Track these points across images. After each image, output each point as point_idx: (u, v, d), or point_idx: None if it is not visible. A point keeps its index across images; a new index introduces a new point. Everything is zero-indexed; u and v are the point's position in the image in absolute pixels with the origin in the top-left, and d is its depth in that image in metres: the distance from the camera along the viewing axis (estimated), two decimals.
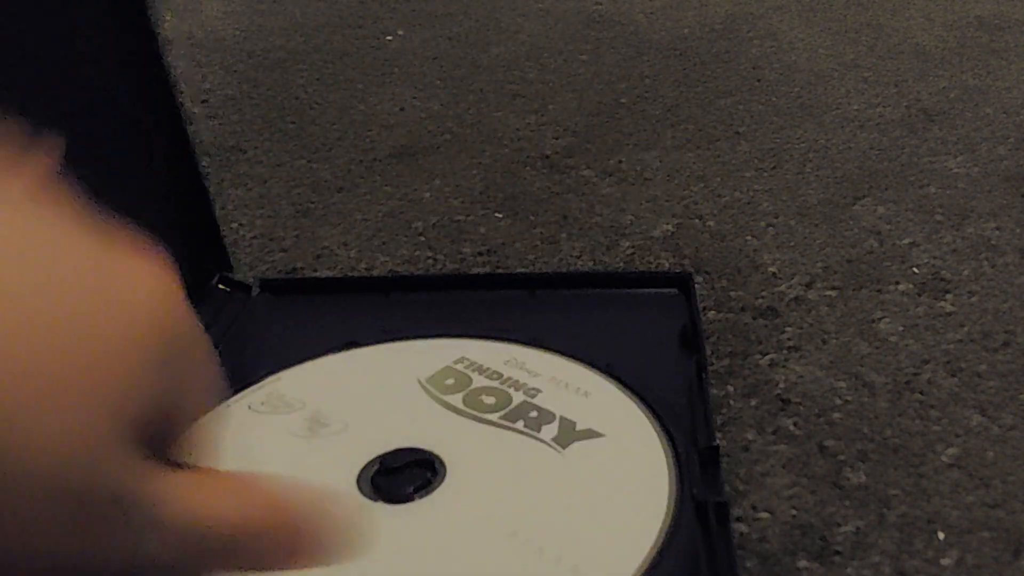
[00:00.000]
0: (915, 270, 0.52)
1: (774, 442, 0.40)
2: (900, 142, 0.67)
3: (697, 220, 0.58)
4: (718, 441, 0.35)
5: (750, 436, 0.41)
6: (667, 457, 0.34)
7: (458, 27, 0.93)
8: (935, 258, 0.53)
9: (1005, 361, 0.45)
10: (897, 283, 0.51)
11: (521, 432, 0.34)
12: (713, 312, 0.49)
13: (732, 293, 0.50)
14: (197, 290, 0.45)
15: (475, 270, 0.53)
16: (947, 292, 0.50)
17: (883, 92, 0.76)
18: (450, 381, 0.37)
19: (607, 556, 0.29)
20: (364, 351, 0.40)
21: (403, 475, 0.32)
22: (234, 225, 0.58)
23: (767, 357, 0.45)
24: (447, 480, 0.32)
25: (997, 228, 0.56)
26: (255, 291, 0.47)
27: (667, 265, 0.53)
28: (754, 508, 0.37)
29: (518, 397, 0.36)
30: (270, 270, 0.53)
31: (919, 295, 0.50)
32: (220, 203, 0.61)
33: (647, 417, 0.36)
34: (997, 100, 0.73)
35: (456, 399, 0.36)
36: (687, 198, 0.60)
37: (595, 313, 0.44)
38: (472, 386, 0.37)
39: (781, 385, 0.43)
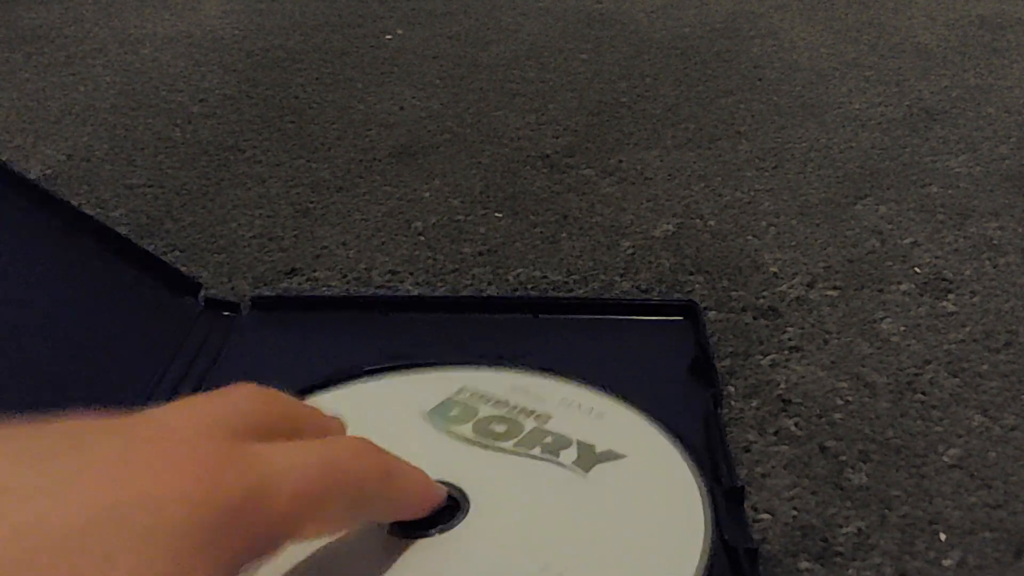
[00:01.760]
0: (917, 270, 0.52)
1: (775, 443, 0.40)
2: (902, 141, 0.67)
3: (698, 220, 0.57)
4: (741, 482, 0.34)
5: (751, 437, 0.40)
6: (692, 476, 0.33)
7: (458, 26, 0.93)
8: (937, 258, 0.53)
9: (1007, 361, 0.45)
10: (899, 283, 0.51)
11: (539, 458, 0.33)
12: (714, 312, 0.49)
13: (733, 293, 0.50)
14: (180, 311, 0.44)
15: (475, 270, 0.53)
16: (949, 292, 0.50)
17: (885, 91, 0.75)
18: (455, 412, 0.36)
19: None
20: (358, 386, 0.39)
21: None
22: (233, 225, 0.58)
23: (768, 357, 0.45)
24: (472, 511, 0.31)
25: (999, 228, 0.56)
26: (245, 310, 0.45)
27: (668, 265, 0.53)
28: (755, 509, 0.37)
29: (529, 424, 0.35)
30: (269, 270, 0.53)
31: (921, 295, 0.50)
32: (219, 203, 0.61)
33: (664, 436, 0.35)
34: (999, 99, 0.73)
35: (465, 429, 0.35)
36: (688, 197, 0.60)
37: (601, 340, 0.43)
38: (479, 415, 0.36)
39: (782, 385, 0.43)
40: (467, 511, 0.31)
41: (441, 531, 0.30)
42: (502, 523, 0.30)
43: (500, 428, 0.35)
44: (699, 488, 0.33)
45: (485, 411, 0.36)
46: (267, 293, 0.50)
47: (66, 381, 0.37)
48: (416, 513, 0.27)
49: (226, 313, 0.45)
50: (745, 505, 0.37)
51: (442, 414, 0.36)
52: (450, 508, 0.31)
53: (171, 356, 0.41)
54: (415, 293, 0.51)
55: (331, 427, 0.27)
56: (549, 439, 0.34)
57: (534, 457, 0.33)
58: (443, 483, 0.31)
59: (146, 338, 0.42)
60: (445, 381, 0.38)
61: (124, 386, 0.39)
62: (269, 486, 0.19)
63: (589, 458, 0.33)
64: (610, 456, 0.34)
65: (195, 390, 0.40)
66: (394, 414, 0.37)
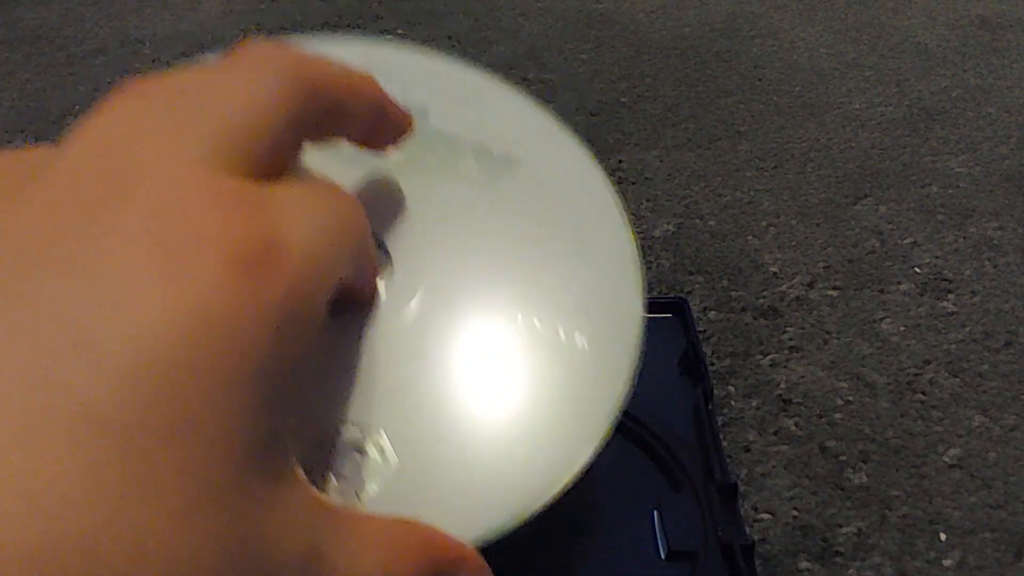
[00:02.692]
0: (917, 270, 0.52)
1: (775, 443, 0.40)
2: (902, 141, 0.67)
3: (698, 220, 0.57)
4: (734, 478, 0.34)
5: (751, 437, 0.40)
6: (597, 172, 0.28)
7: (458, 26, 0.93)
8: (937, 258, 0.53)
9: (1007, 361, 0.45)
10: (899, 283, 0.51)
11: (437, 173, 0.27)
12: (714, 312, 0.49)
13: (733, 293, 0.50)
14: None
15: None
16: (949, 292, 0.50)
17: (885, 91, 0.75)
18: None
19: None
20: None
21: None
22: None
23: (768, 357, 0.45)
24: (398, 260, 0.24)
25: (999, 228, 0.56)
26: None
27: (668, 265, 0.53)
28: (755, 509, 0.37)
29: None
30: None
31: (921, 295, 0.50)
32: None
33: (553, 124, 0.30)
34: (999, 99, 0.73)
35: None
36: (688, 198, 0.60)
37: None
38: None
39: (782, 385, 0.43)
40: (391, 261, 0.24)
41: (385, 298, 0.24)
42: (443, 260, 0.25)
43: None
44: (606, 183, 0.28)
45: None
46: None
47: None
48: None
49: None
50: (743, 503, 0.37)
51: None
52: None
53: None
54: None
55: (394, 117, 0.21)
56: (441, 146, 0.28)
57: (430, 170, 0.27)
58: None
59: None
60: None
61: None
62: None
63: (490, 167, 0.28)
64: (510, 161, 0.28)
65: None
66: None
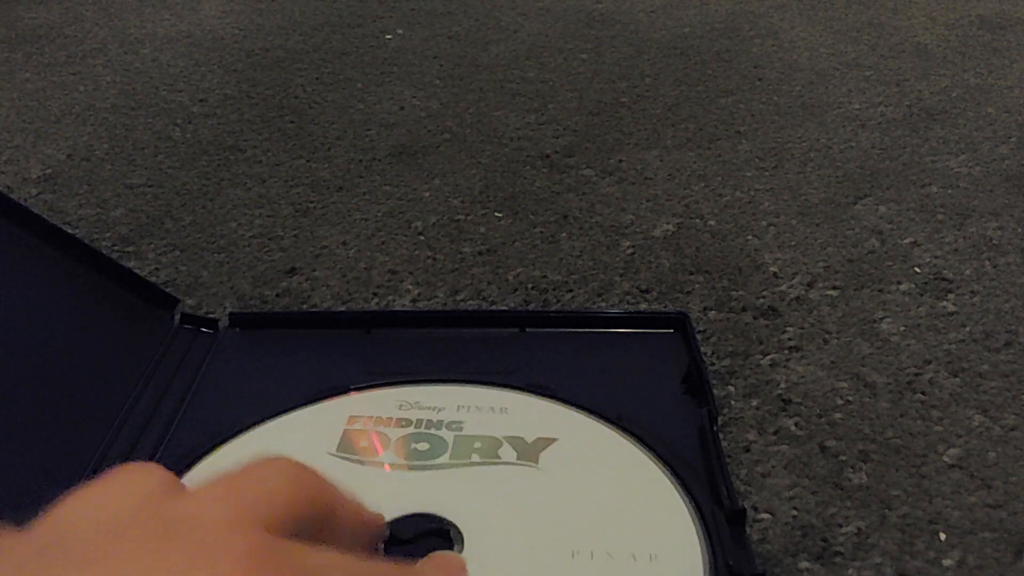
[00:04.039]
0: (917, 270, 0.52)
1: (775, 442, 0.40)
2: (902, 141, 0.67)
3: (698, 220, 0.57)
4: (742, 504, 0.34)
5: (751, 436, 0.40)
6: (623, 437, 0.33)
7: (458, 26, 0.93)
8: (937, 258, 0.53)
9: (1007, 361, 0.45)
10: (899, 283, 0.51)
11: (482, 464, 0.33)
12: (714, 312, 0.49)
13: (733, 293, 0.50)
14: (156, 327, 0.43)
15: (475, 270, 0.53)
16: (949, 292, 0.50)
17: (885, 91, 0.75)
18: (363, 444, 0.34)
19: (669, 543, 0.29)
20: (251, 435, 0.36)
21: (418, 544, 0.30)
22: (232, 224, 0.58)
23: (768, 357, 0.45)
24: (466, 532, 0.30)
25: (999, 227, 0.56)
26: (223, 325, 0.45)
27: (668, 265, 0.53)
28: (755, 509, 0.37)
29: (448, 435, 0.34)
30: (269, 270, 0.53)
31: (921, 295, 0.50)
32: (219, 203, 0.61)
33: (573, 410, 0.35)
34: (999, 99, 0.73)
35: (386, 457, 0.33)
36: (688, 197, 0.60)
37: (590, 354, 0.42)
38: (392, 439, 0.34)
39: (782, 385, 0.43)
40: (461, 537, 0.30)
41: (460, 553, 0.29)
42: (502, 531, 0.30)
43: (422, 446, 0.34)
44: (634, 446, 0.33)
45: (394, 434, 0.35)
46: (245, 310, 0.49)
47: (38, 399, 0.36)
48: None
49: (204, 329, 0.44)
50: (743, 504, 0.37)
51: (351, 448, 0.34)
52: (441, 534, 0.30)
53: (148, 375, 0.40)
54: (407, 300, 0.51)
55: (369, 523, 0.25)
56: (478, 444, 0.34)
57: (476, 464, 0.33)
58: (425, 514, 0.30)
59: (122, 355, 0.40)
60: (329, 414, 0.36)
61: (99, 404, 0.38)
62: None
63: (527, 449, 0.33)
64: (545, 442, 0.33)
65: (174, 411, 0.39)
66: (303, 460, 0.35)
